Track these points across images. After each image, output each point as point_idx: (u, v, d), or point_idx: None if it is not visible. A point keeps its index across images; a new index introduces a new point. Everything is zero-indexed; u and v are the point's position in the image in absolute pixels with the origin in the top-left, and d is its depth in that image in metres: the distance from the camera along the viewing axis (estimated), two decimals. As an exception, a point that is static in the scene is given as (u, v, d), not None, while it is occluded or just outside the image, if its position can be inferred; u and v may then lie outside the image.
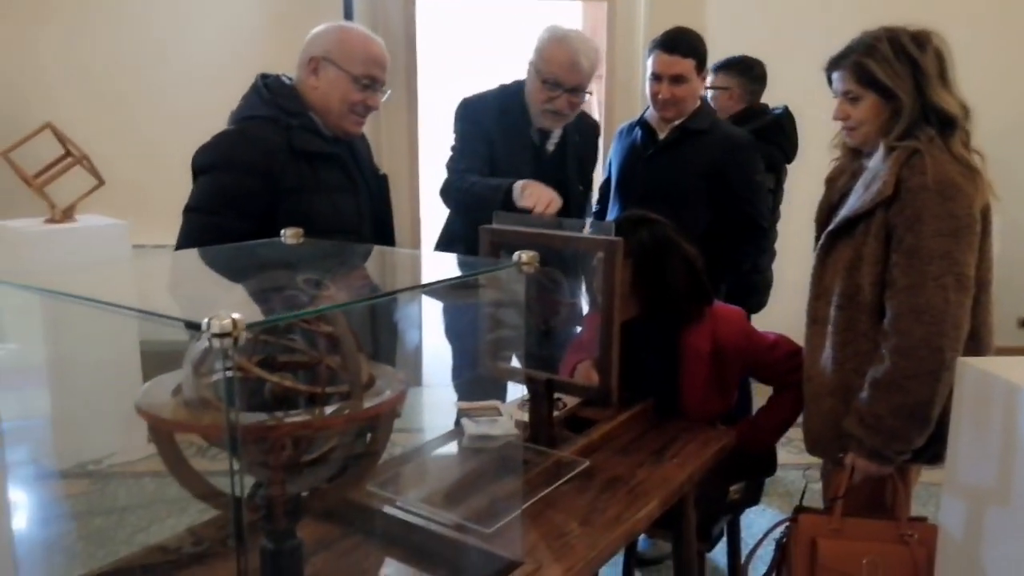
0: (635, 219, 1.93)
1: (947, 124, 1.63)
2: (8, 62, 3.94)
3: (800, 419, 1.88)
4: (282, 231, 1.34)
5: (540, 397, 1.63)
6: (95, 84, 4.00)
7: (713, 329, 1.93)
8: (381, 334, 1.44)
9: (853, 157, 1.81)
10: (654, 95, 2.55)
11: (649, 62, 2.55)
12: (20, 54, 3.95)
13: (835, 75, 1.72)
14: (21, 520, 2.78)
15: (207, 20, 4.07)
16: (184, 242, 1.78)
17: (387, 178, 2.19)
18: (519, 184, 2.09)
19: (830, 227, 1.75)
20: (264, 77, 1.96)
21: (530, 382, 1.65)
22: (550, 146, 2.46)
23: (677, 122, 2.56)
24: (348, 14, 3.83)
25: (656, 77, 2.52)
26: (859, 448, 1.67)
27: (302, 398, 1.03)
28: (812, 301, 1.79)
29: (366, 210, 1.99)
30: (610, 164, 2.77)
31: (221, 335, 0.72)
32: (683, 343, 1.93)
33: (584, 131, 2.58)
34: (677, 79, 2.49)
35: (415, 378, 4.36)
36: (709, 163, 2.53)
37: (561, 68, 2.31)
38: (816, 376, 1.77)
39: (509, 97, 2.43)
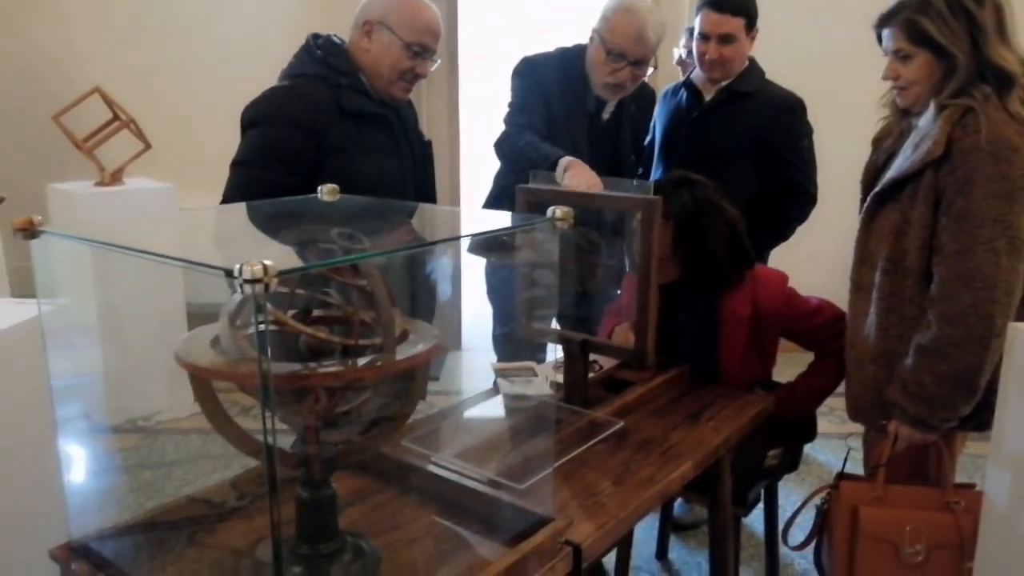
0: (677, 180, 1.90)
1: (1004, 81, 1.55)
2: (59, 28, 4.02)
3: (842, 387, 1.84)
4: (319, 187, 1.35)
5: (575, 358, 1.63)
6: (143, 49, 4.06)
7: (753, 293, 1.89)
8: (417, 290, 1.45)
9: (902, 116, 1.74)
10: (701, 55, 2.49)
11: (696, 21, 2.48)
12: (70, 20, 4.02)
13: (885, 33, 1.65)
14: (75, 472, 2.89)
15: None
16: (230, 196, 1.81)
17: (431, 144, 2.19)
18: (564, 161, 2.07)
19: (876, 189, 1.69)
20: (315, 37, 1.97)
21: (565, 343, 1.64)
22: (605, 114, 2.44)
23: (724, 83, 2.50)
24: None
25: (703, 36, 2.46)
26: (902, 416, 1.63)
27: (336, 350, 1.03)
28: (856, 267, 1.75)
29: (410, 174, 1.99)
30: (654, 127, 2.72)
31: (253, 281, 0.73)
32: (722, 307, 1.90)
33: (641, 101, 2.55)
34: (725, 39, 2.42)
35: (455, 341, 4.41)
36: (756, 126, 2.47)
37: (627, 40, 2.28)
38: (859, 343, 1.73)
39: (569, 62, 2.40)
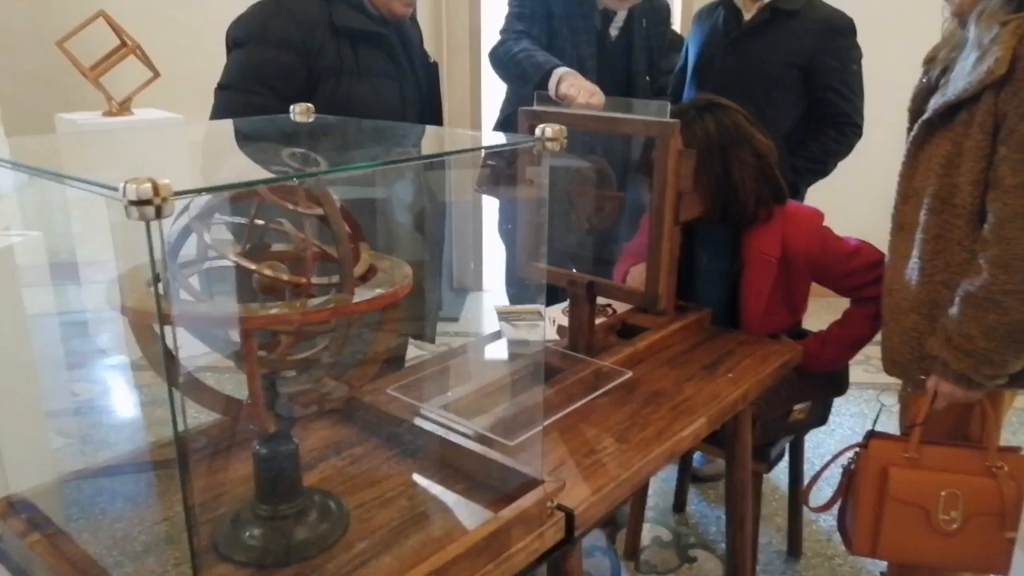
0: (702, 105, 1.71)
1: None
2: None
3: (878, 337, 1.67)
4: (291, 107, 1.21)
5: (581, 301, 1.48)
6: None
7: (784, 232, 1.71)
8: (397, 223, 1.32)
9: (960, 29, 1.52)
10: (736, -31, 2.26)
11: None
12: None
13: None
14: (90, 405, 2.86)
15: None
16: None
17: (437, 66, 2.02)
18: (559, 72, 1.90)
19: (924, 115, 1.49)
20: None
21: (571, 284, 1.50)
22: (613, 30, 2.24)
23: (766, 0, 2.27)
24: None
25: (739, -53, 2.23)
26: (944, 371, 1.46)
27: (286, 290, 0.90)
28: (899, 204, 1.55)
29: (412, 99, 1.83)
30: (686, 51, 2.51)
31: (140, 202, 0.59)
32: (748, 247, 1.73)
33: (654, 16, 2.33)
34: (767, -52, 2.19)
35: (475, 282, 4.26)
36: (800, 49, 2.25)
37: None
38: (899, 289, 1.55)
39: None
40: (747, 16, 2.32)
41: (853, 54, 2.27)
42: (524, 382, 1.38)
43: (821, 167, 2.34)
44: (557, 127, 0.94)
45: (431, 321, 1.88)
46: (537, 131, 0.95)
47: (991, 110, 1.38)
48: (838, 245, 1.74)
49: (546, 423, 1.27)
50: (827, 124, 2.29)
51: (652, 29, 2.32)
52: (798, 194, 2.34)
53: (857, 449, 1.58)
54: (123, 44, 3.29)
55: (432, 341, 1.96)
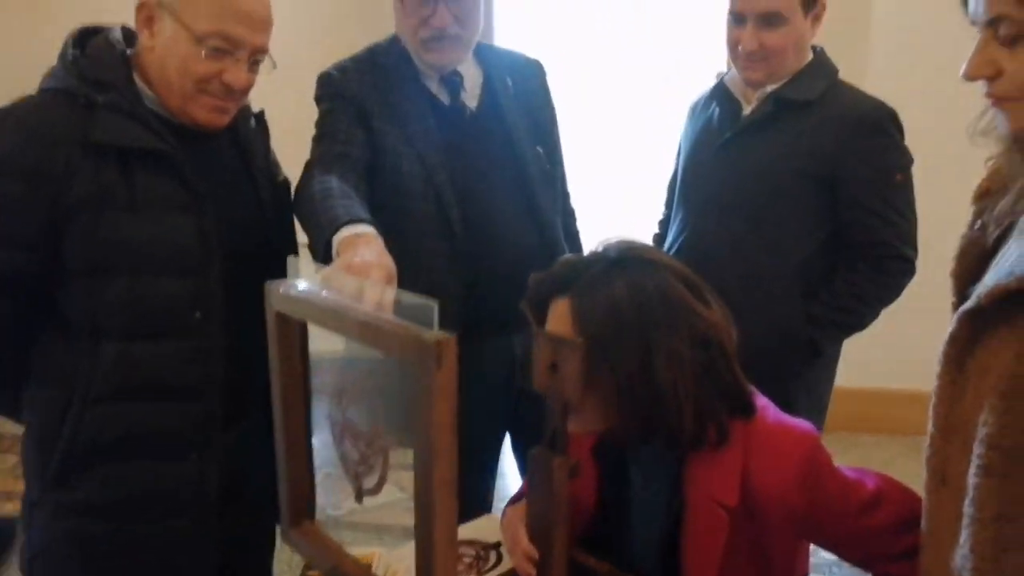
0: (615, 256, 1.08)
1: None
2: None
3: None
4: None
5: None
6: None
7: (746, 467, 1.04)
8: None
9: (1019, 152, 0.86)
10: (734, 45, 1.66)
11: (728, -8, 1.66)
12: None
13: None
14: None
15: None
16: None
17: (288, 185, 1.48)
18: (340, 236, 1.20)
19: (969, 304, 0.82)
20: (83, 34, 1.30)
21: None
22: (470, 101, 1.61)
23: (770, 88, 1.66)
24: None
25: (737, 17, 1.64)
26: None
27: None
28: (937, 441, 0.87)
29: (222, 235, 1.27)
30: (678, 154, 1.90)
31: None
32: (691, 484, 1.07)
33: (517, 71, 1.69)
34: (768, 19, 1.60)
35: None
36: (818, 152, 1.62)
37: None
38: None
39: (384, 52, 1.61)
40: (746, 109, 1.71)
41: (896, 158, 1.61)
42: None
43: (854, 318, 1.64)
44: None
45: None
46: None
47: None
48: (838, 489, 1.06)
49: None
50: (860, 257, 1.62)
51: (524, 87, 1.67)
52: (818, 356, 1.64)
53: None
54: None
55: None
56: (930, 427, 0.90)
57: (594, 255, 1.10)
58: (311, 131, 1.57)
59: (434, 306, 0.77)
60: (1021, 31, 0.78)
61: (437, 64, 1.56)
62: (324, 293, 0.91)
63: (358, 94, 1.54)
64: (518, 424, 1.69)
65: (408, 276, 1.47)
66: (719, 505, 1.03)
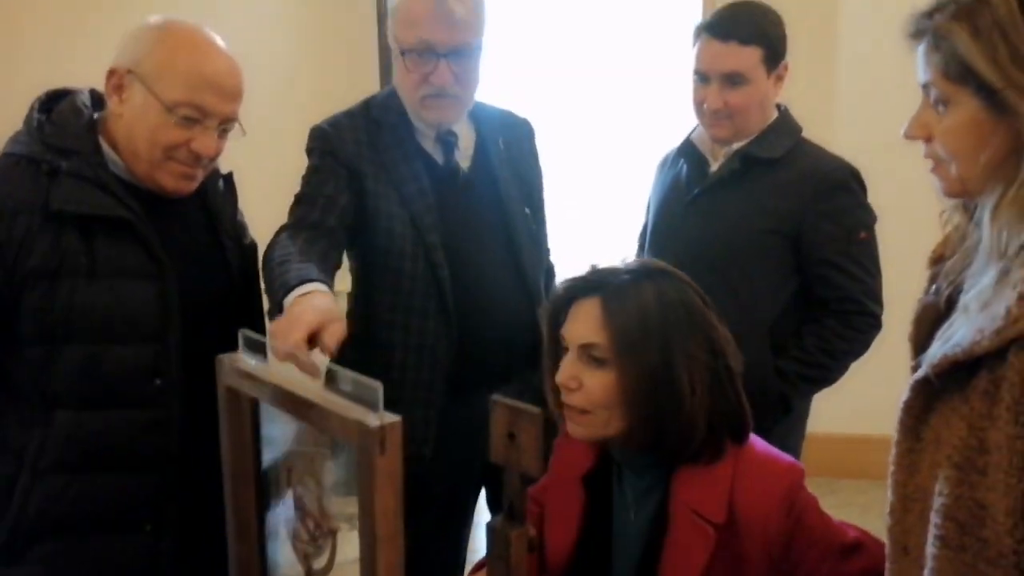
0: (641, 269, 1.16)
1: None
2: None
3: None
4: None
5: None
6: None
7: (734, 487, 1.09)
8: None
9: (963, 212, 0.88)
10: (699, 104, 1.68)
11: (693, 53, 1.68)
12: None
13: (919, 51, 0.86)
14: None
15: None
16: None
17: (255, 249, 1.47)
18: (291, 298, 1.19)
19: (920, 374, 0.83)
20: (50, 98, 1.30)
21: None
22: (463, 161, 1.60)
23: (736, 145, 1.68)
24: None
25: (702, 76, 1.66)
26: None
27: None
28: (898, 510, 0.88)
29: (178, 305, 1.26)
30: (647, 208, 1.91)
31: None
32: (675, 497, 1.11)
33: (508, 131, 1.70)
34: (732, 79, 1.62)
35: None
36: (784, 210, 1.63)
37: (425, 23, 1.46)
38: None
39: (381, 106, 1.60)
40: (713, 166, 1.72)
41: (859, 216, 1.62)
42: None
43: (823, 373, 1.64)
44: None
45: None
46: None
47: None
48: (821, 525, 1.10)
49: None
50: (828, 313, 1.62)
51: (515, 147, 1.68)
52: (789, 412, 1.64)
53: None
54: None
55: None
56: (890, 495, 0.89)
57: (623, 266, 1.16)
58: (279, 179, 1.56)
59: (378, 388, 0.76)
60: (945, 99, 0.82)
61: (435, 122, 1.56)
62: (273, 369, 0.90)
63: (352, 155, 1.53)
64: (494, 480, 1.68)
65: (398, 333, 1.51)
66: (706, 521, 1.06)
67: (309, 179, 1.53)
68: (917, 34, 0.85)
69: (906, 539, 0.87)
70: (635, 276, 1.12)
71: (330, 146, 1.53)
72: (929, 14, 0.83)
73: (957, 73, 0.80)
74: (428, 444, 1.49)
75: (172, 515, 1.26)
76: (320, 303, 1.15)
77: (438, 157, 1.58)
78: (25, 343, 1.19)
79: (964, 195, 0.87)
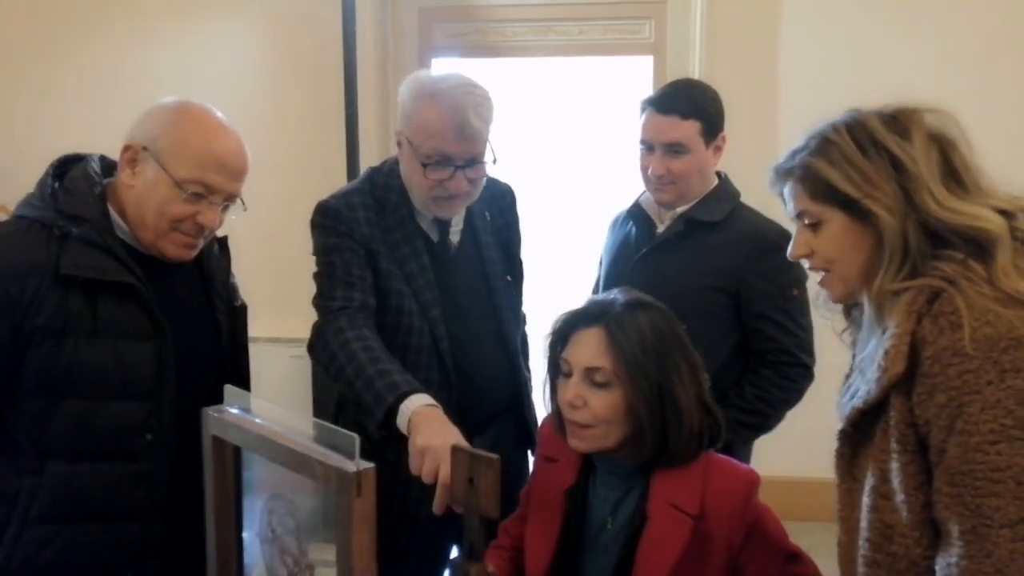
0: (631, 301, 1.32)
1: (977, 244, 0.98)
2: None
3: None
4: None
5: None
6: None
7: (706, 485, 1.26)
8: None
9: (846, 314, 1.16)
10: (644, 170, 1.84)
11: (639, 124, 1.84)
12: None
13: (785, 192, 1.11)
14: None
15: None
16: None
17: (245, 310, 1.57)
18: (409, 409, 1.32)
19: (841, 426, 1.06)
20: (64, 162, 1.38)
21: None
22: (454, 237, 1.71)
23: (680, 209, 1.83)
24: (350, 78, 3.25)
25: (647, 145, 1.82)
26: None
27: None
28: (845, 543, 1.07)
29: (172, 364, 1.35)
30: (599, 264, 2.05)
31: None
32: (654, 494, 1.26)
33: (494, 202, 1.79)
34: (673, 148, 1.77)
35: None
36: (724, 269, 1.78)
37: (444, 137, 1.53)
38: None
39: (383, 186, 1.67)
40: (660, 228, 1.86)
41: (792, 275, 1.76)
42: None
43: (761, 420, 1.77)
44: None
45: None
46: None
47: (906, 419, 0.88)
48: (776, 527, 1.26)
49: None
50: (765, 364, 1.76)
51: (500, 218, 1.79)
52: (733, 454, 1.76)
53: None
54: None
55: None
56: (839, 530, 1.04)
57: (614, 298, 1.33)
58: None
59: (355, 438, 0.87)
60: (818, 220, 1.06)
61: (445, 217, 1.64)
62: (257, 420, 1.00)
63: (367, 236, 1.59)
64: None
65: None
66: (683, 512, 1.21)
67: (332, 257, 1.58)
68: (785, 174, 1.09)
69: (852, 566, 1.03)
70: (630, 307, 1.30)
71: (346, 227, 1.59)
72: (792, 156, 1.08)
73: (823, 194, 1.03)
74: (424, 504, 1.39)
75: (154, 565, 1.32)
76: (452, 428, 1.30)
77: (433, 235, 1.67)
78: (25, 396, 1.25)
79: (848, 297, 1.09)
